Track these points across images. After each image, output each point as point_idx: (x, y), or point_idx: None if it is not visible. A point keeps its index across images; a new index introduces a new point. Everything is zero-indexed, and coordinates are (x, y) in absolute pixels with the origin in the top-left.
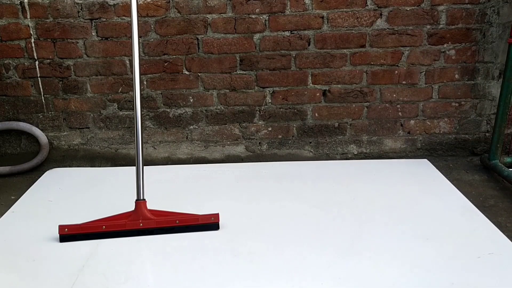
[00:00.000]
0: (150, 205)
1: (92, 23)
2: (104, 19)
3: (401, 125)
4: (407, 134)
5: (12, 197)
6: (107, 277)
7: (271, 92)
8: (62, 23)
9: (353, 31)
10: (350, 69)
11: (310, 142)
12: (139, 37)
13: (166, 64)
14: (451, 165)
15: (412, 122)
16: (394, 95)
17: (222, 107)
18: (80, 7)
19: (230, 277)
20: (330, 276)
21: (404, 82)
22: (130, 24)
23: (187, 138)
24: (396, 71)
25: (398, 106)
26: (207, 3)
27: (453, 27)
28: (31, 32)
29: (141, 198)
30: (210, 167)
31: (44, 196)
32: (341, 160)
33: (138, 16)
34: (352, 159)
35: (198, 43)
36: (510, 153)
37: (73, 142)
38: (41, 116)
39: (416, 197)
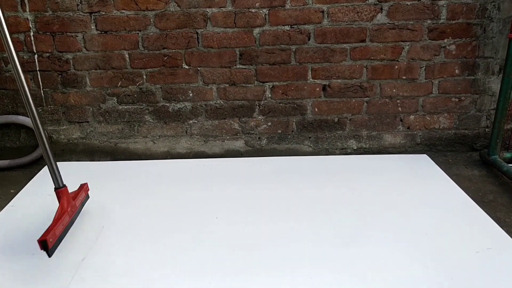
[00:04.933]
0: (150, 200)
1: (91, 16)
2: (103, 13)
3: (401, 120)
4: (406, 129)
5: (12, 191)
6: (106, 271)
7: (270, 86)
8: (61, 16)
9: (353, 26)
10: (350, 64)
11: (310, 137)
12: (139, 30)
13: (165, 58)
14: (451, 160)
15: (411, 117)
16: (394, 90)
17: (222, 102)
18: (79, 1)
19: (229, 271)
20: (329, 270)
21: (404, 77)
22: (129, 18)
23: (186, 132)
24: (396, 66)
25: (398, 101)
26: None
27: (453, 22)
28: (30, 26)
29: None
30: (210, 162)
31: (43, 190)
32: (340, 155)
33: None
34: (351, 154)
35: (197, 37)
36: (510, 148)
37: (72, 136)
38: (40, 110)
39: (415, 192)
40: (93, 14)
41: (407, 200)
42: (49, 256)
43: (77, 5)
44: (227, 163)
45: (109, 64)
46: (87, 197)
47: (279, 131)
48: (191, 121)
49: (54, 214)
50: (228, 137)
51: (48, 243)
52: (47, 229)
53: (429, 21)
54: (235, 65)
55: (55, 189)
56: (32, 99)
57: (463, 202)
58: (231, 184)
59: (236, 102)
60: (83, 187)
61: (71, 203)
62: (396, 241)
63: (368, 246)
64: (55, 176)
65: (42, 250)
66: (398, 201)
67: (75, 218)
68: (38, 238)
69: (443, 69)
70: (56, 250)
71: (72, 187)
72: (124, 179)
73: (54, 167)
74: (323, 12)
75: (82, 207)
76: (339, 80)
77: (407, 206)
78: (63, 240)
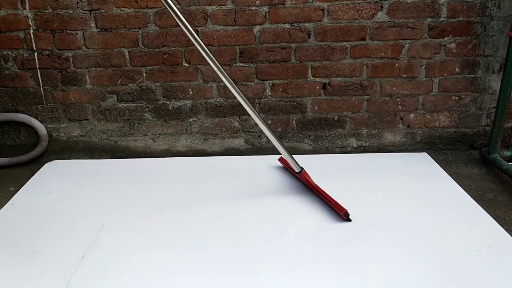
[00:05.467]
0: (150, 197)
1: (91, 14)
2: (103, 10)
3: (401, 118)
4: (406, 127)
5: (12, 189)
6: (106, 269)
7: (270, 84)
8: (61, 14)
9: (354, 24)
10: (350, 62)
11: (310, 135)
12: (138, 28)
13: (165, 56)
14: (451, 158)
15: (412, 115)
16: (394, 89)
17: (222, 100)
18: None
19: (228, 269)
20: (328, 269)
21: (404, 75)
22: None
23: (186, 130)
24: (397, 64)
25: (398, 99)
26: None
27: (454, 20)
28: (30, 23)
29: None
30: (210, 160)
31: (43, 188)
32: (340, 154)
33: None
34: (351, 153)
35: (197, 35)
36: (510, 147)
37: (72, 134)
38: (40, 108)
39: (415, 190)
40: (93, 11)
41: (407, 199)
42: (350, 220)
43: (77, 2)
44: (227, 161)
45: (109, 62)
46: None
47: (279, 129)
48: (191, 119)
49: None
50: (228, 135)
51: (348, 213)
52: (334, 203)
53: (429, 19)
54: (235, 63)
55: (297, 173)
56: None
57: (463, 201)
58: (231, 182)
59: (236, 100)
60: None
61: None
62: (396, 239)
63: (367, 244)
64: (294, 162)
65: (346, 220)
66: (398, 200)
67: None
68: (341, 213)
69: (443, 68)
70: (56, 248)
71: (71, 184)
72: (124, 177)
73: (290, 155)
74: (323, 10)
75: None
76: (339, 78)
77: (407, 204)
78: (62, 237)
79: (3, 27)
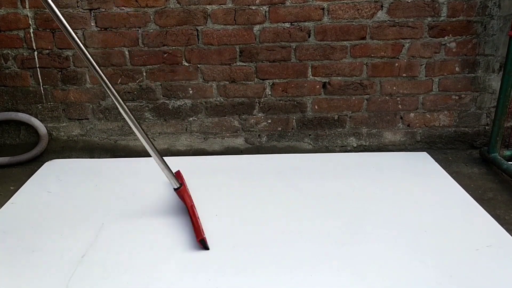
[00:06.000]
0: (150, 197)
1: (91, 13)
2: (103, 10)
3: (401, 118)
4: (406, 127)
5: (12, 188)
6: (106, 268)
7: (270, 84)
8: (61, 13)
9: (354, 23)
10: (350, 61)
11: (310, 135)
12: (138, 27)
13: (165, 55)
14: (451, 158)
15: (411, 115)
16: (394, 88)
17: (222, 99)
18: None
19: (228, 268)
20: (328, 267)
21: (404, 75)
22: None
23: (186, 130)
24: (397, 64)
25: (398, 98)
26: None
27: (454, 19)
28: (30, 22)
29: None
30: (209, 159)
31: (43, 187)
32: (340, 153)
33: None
34: (351, 152)
35: (197, 34)
36: (510, 146)
37: (72, 133)
38: (40, 107)
39: (415, 190)
40: (93, 10)
41: (406, 198)
42: (208, 249)
43: (77, 1)
44: (227, 160)
45: (109, 61)
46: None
47: (279, 129)
48: (191, 119)
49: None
50: (228, 134)
51: (205, 240)
52: (195, 227)
53: (429, 19)
54: (235, 62)
55: (175, 189)
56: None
57: (463, 200)
58: (231, 181)
59: (236, 99)
60: (181, 176)
61: (190, 196)
62: (396, 238)
63: (367, 244)
64: (172, 178)
65: (202, 248)
66: (397, 199)
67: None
68: (197, 239)
69: (443, 67)
70: (55, 248)
71: (71, 183)
72: (123, 176)
73: (169, 170)
74: (323, 9)
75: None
76: (339, 78)
77: (407, 203)
78: (61, 236)
79: (3, 26)
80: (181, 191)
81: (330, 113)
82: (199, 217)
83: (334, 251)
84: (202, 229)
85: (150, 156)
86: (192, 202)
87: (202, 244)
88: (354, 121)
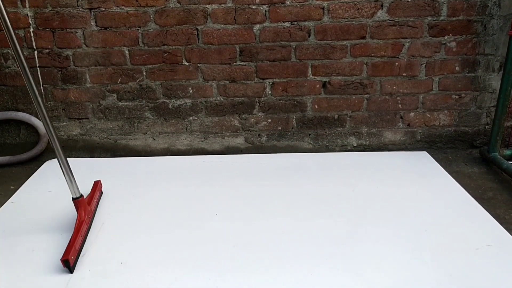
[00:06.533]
0: (150, 196)
1: (91, 12)
2: (103, 9)
3: (401, 117)
4: (406, 126)
5: (12, 187)
6: (106, 267)
7: (271, 83)
8: (61, 12)
9: (354, 23)
10: (350, 60)
11: (310, 134)
12: (138, 27)
13: (165, 54)
14: (451, 157)
15: (412, 114)
16: (394, 87)
17: (222, 99)
18: None
19: (228, 267)
20: (328, 267)
21: (404, 74)
22: (128, 14)
23: (186, 129)
24: (397, 63)
25: (398, 98)
26: None
27: (454, 19)
28: (30, 22)
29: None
30: (210, 159)
31: (43, 186)
32: (340, 152)
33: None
34: (351, 151)
35: (197, 34)
36: (510, 145)
37: (72, 133)
38: None
39: (415, 189)
40: (93, 10)
41: (406, 197)
42: (71, 272)
43: (77, 1)
44: (227, 160)
45: (109, 61)
46: (101, 193)
47: (279, 128)
48: (191, 118)
49: (74, 222)
50: (228, 134)
51: (70, 262)
52: (68, 245)
53: (429, 18)
54: (235, 62)
55: (73, 199)
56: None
57: (463, 199)
58: (231, 181)
59: (236, 99)
60: (97, 186)
61: (87, 211)
62: (396, 237)
63: (367, 243)
64: (72, 186)
65: (65, 268)
66: (397, 198)
67: (92, 220)
68: (60, 258)
69: (443, 66)
70: (56, 247)
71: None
72: (124, 176)
73: (71, 177)
74: (323, 8)
75: (98, 206)
76: (339, 77)
77: (407, 203)
78: (62, 235)
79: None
80: (80, 202)
81: (330, 113)
82: (82, 235)
83: (334, 250)
84: (74, 250)
85: (151, 155)
86: (87, 219)
87: (64, 264)
88: (354, 120)
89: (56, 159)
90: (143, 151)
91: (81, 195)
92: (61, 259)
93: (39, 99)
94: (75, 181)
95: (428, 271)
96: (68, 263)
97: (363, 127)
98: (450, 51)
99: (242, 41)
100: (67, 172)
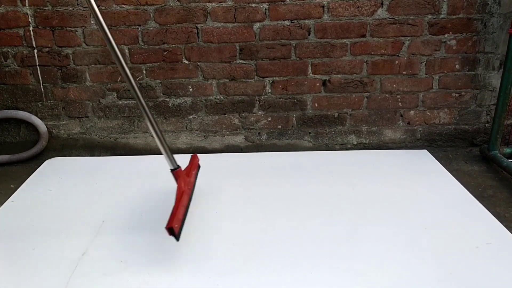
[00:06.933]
0: (151, 194)
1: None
2: (103, 7)
3: (401, 115)
4: (406, 124)
5: (12, 186)
6: (106, 266)
7: (271, 82)
8: (61, 11)
9: (354, 21)
10: (351, 59)
11: (310, 133)
12: (138, 25)
13: (165, 53)
14: (451, 155)
15: (412, 112)
16: (394, 86)
17: (222, 97)
18: None
19: (228, 266)
20: (328, 265)
21: (404, 72)
22: (128, 12)
23: (186, 127)
24: (397, 61)
25: (398, 96)
26: None
27: (454, 17)
28: (30, 20)
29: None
30: (210, 157)
31: (43, 185)
32: (340, 151)
33: (135, 4)
34: (351, 150)
35: (197, 32)
36: (510, 144)
37: (72, 131)
38: (40, 105)
39: (415, 187)
40: None
41: (407, 196)
42: (177, 240)
43: None
44: (227, 158)
45: (109, 59)
46: (199, 167)
47: (279, 127)
48: (191, 116)
49: (174, 195)
50: (228, 132)
51: (174, 230)
52: (171, 214)
53: (429, 16)
54: (235, 60)
55: (171, 170)
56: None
57: (463, 197)
58: (231, 179)
59: (236, 97)
60: (194, 161)
61: (187, 182)
62: (396, 236)
63: (367, 241)
64: (169, 158)
65: (170, 236)
66: (398, 197)
67: (192, 193)
68: (165, 226)
69: (443, 64)
70: (56, 246)
71: (72, 181)
72: (124, 174)
73: (167, 149)
74: (323, 7)
75: (196, 180)
76: (339, 75)
77: (407, 201)
78: (62, 234)
79: (3, 24)
80: (177, 172)
81: (330, 111)
82: (185, 206)
83: (334, 249)
84: (177, 219)
85: (151, 154)
86: (187, 189)
87: (169, 231)
88: (354, 119)
89: (56, 158)
90: (143, 150)
91: (179, 166)
92: (165, 227)
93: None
94: (171, 152)
95: (428, 269)
96: (173, 231)
97: (363, 125)
98: (450, 49)
99: (242, 39)
100: (162, 144)
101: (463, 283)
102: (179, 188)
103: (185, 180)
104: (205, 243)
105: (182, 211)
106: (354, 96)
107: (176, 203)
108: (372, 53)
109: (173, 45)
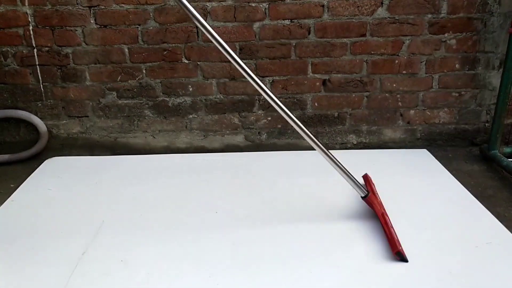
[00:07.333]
0: (151, 194)
1: (90, 10)
2: (102, 7)
3: (401, 115)
4: (406, 124)
5: (11, 186)
6: (106, 265)
7: (270, 81)
8: (61, 10)
9: (354, 20)
10: (350, 58)
11: (310, 132)
12: (138, 24)
13: (165, 52)
14: (451, 155)
15: (411, 112)
16: (394, 85)
17: (222, 96)
18: None
19: (228, 265)
20: (328, 264)
21: (404, 72)
22: (129, 12)
23: (186, 127)
24: (397, 61)
25: (398, 96)
26: None
27: (454, 16)
28: (29, 20)
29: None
30: (209, 157)
31: (43, 184)
32: (340, 150)
33: (135, 4)
34: (351, 149)
35: (197, 32)
36: (510, 143)
37: (72, 131)
38: (40, 105)
39: (415, 187)
40: (92, 8)
41: (406, 195)
42: (407, 261)
43: None
44: (227, 158)
45: (109, 59)
46: (373, 185)
47: (279, 126)
48: (191, 116)
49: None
50: (228, 131)
51: (402, 252)
52: (389, 239)
53: (429, 16)
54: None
55: (362, 198)
56: None
57: (463, 197)
58: (231, 179)
59: (236, 96)
60: (368, 179)
61: (379, 202)
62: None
63: (367, 240)
64: (358, 186)
65: (400, 260)
66: (397, 196)
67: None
68: (393, 251)
69: (443, 64)
70: (56, 245)
71: (72, 181)
72: (124, 174)
73: (353, 178)
74: (323, 6)
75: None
76: (339, 75)
77: (407, 201)
78: (62, 234)
79: (2, 24)
80: (370, 198)
81: (330, 111)
82: (392, 225)
83: (334, 248)
84: (398, 240)
85: (150, 154)
86: (383, 209)
87: (399, 256)
88: (354, 118)
89: (55, 158)
90: (143, 149)
91: (368, 192)
92: (393, 252)
93: None
94: (357, 180)
95: (428, 268)
96: (401, 254)
97: (363, 125)
98: (450, 48)
99: (242, 38)
100: (348, 175)
101: (463, 282)
102: (378, 212)
103: (377, 201)
104: (205, 243)
105: (394, 231)
106: (354, 95)
107: (386, 227)
108: (372, 52)
109: (173, 45)
